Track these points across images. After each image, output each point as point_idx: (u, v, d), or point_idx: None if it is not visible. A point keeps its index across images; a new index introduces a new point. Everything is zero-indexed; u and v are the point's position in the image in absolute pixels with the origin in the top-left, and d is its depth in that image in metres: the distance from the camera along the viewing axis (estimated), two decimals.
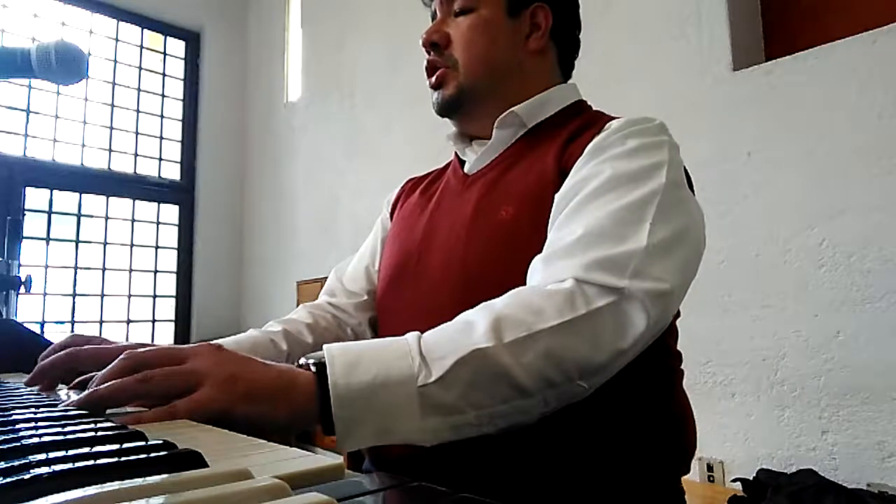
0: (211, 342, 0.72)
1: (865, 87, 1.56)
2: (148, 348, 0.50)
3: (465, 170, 0.81)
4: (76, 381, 0.60)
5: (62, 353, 0.61)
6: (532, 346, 0.50)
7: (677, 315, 0.72)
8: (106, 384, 0.46)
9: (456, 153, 0.86)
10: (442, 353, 0.49)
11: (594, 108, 0.82)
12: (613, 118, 0.73)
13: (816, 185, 1.63)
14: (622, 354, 0.53)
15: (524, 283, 0.61)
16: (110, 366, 0.48)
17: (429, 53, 0.81)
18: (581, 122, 0.74)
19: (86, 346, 0.61)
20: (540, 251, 0.61)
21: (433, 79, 0.80)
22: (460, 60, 0.78)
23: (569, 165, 0.67)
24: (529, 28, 0.79)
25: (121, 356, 0.49)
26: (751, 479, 1.57)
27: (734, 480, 1.64)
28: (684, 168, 0.68)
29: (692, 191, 0.69)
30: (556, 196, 0.65)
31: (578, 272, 0.54)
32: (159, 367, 0.47)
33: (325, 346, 0.50)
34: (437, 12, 0.82)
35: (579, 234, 0.57)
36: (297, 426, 0.48)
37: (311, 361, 0.50)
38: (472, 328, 0.51)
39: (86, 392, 0.46)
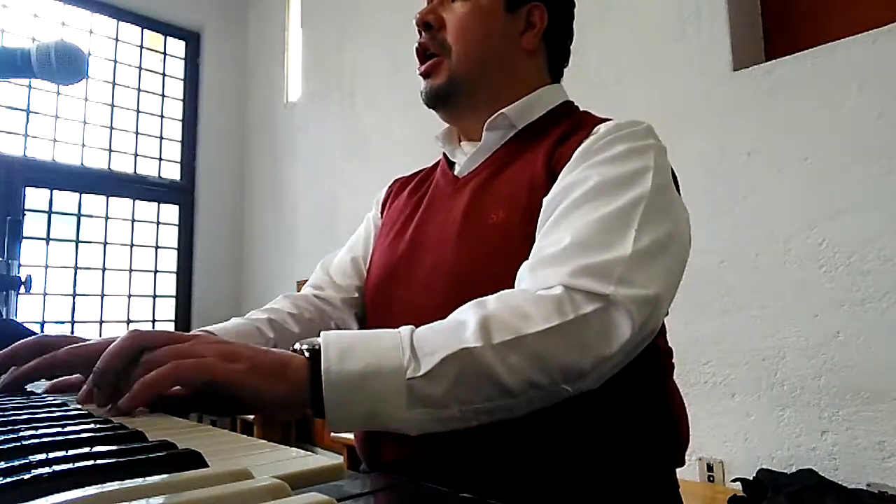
0: (202, 329, 0.72)
1: (865, 87, 1.56)
2: (152, 330, 0.51)
3: (455, 172, 0.81)
4: (55, 381, 0.60)
5: (40, 357, 0.58)
6: (518, 348, 0.51)
7: (665, 313, 0.73)
8: (127, 397, 0.46)
9: (445, 154, 0.86)
10: (431, 349, 0.50)
11: (582, 109, 0.82)
12: (601, 119, 0.74)
13: (816, 185, 1.63)
14: (607, 361, 0.54)
15: (514, 287, 0.61)
16: (114, 344, 0.49)
17: (420, 34, 0.80)
18: (570, 125, 0.74)
19: (63, 348, 0.59)
20: (529, 255, 0.62)
21: (423, 67, 0.79)
22: (453, 46, 0.77)
23: (557, 168, 0.68)
24: (524, 25, 0.79)
25: (124, 335, 0.49)
26: (751, 479, 1.57)
27: (734, 480, 1.64)
28: (671, 169, 0.69)
29: (678, 191, 0.70)
30: (545, 200, 0.66)
31: (566, 279, 0.55)
32: (161, 346, 0.48)
33: (321, 333, 0.52)
34: None
35: (567, 243, 0.58)
36: (289, 407, 0.50)
37: (304, 347, 0.51)
38: (462, 327, 0.52)
39: (84, 389, 0.48)
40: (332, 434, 2.69)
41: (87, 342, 0.59)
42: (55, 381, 0.61)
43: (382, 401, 0.49)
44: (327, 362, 0.49)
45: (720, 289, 1.78)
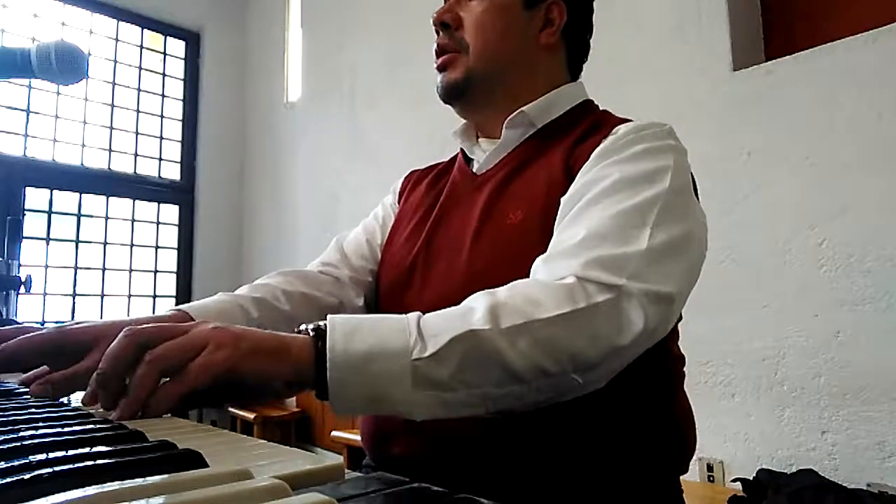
0: (177, 307, 0.71)
1: (865, 87, 1.56)
2: (147, 325, 0.49)
3: (474, 169, 0.80)
4: (30, 374, 0.58)
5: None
6: (528, 333, 0.51)
7: (679, 318, 0.72)
8: (132, 396, 0.45)
9: (462, 150, 0.85)
10: (438, 331, 0.50)
11: (601, 109, 0.81)
12: (621, 119, 0.73)
13: (816, 185, 1.63)
14: (618, 352, 0.54)
15: None
16: (113, 345, 0.47)
17: (437, 34, 0.79)
18: (589, 124, 0.74)
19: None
20: None
21: (440, 60, 0.78)
22: (471, 44, 0.76)
23: (576, 168, 0.67)
24: (543, 22, 0.78)
25: (120, 334, 0.48)
26: (751, 479, 1.57)
27: (734, 480, 1.64)
28: (691, 174, 0.68)
29: (697, 196, 0.69)
30: (563, 199, 0.65)
31: (579, 270, 0.55)
32: (160, 343, 0.47)
33: (328, 315, 0.51)
34: None
35: (582, 236, 0.58)
36: (295, 386, 0.50)
37: (309, 327, 0.51)
38: (470, 312, 0.52)
39: (89, 389, 0.47)
40: (333, 433, 2.69)
41: (39, 332, 0.58)
42: (24, 376, 0.60)
43: (387, 382, 0.48)
44: (332, 342, 0.48)
45: (720, 289, 1.78)
